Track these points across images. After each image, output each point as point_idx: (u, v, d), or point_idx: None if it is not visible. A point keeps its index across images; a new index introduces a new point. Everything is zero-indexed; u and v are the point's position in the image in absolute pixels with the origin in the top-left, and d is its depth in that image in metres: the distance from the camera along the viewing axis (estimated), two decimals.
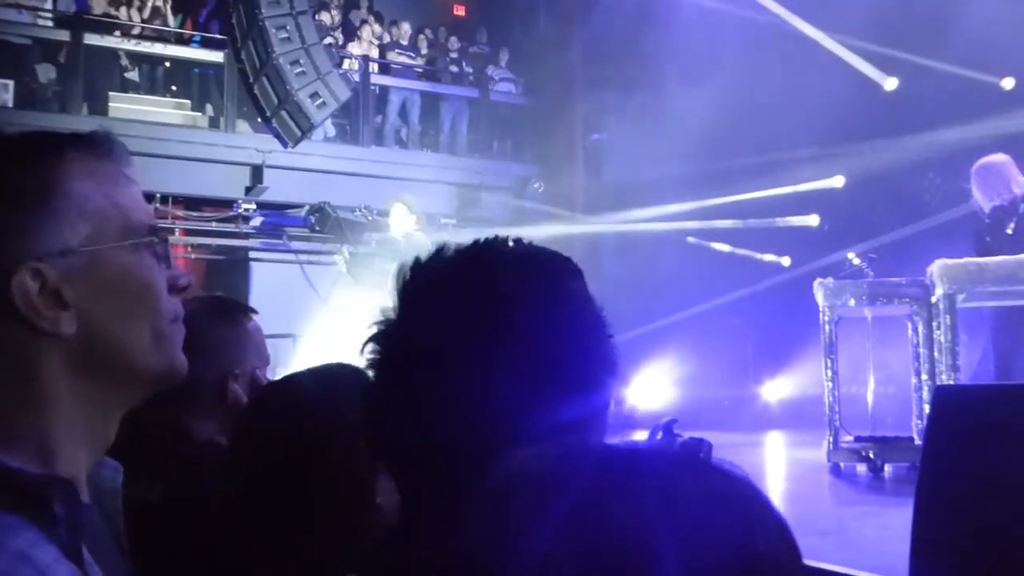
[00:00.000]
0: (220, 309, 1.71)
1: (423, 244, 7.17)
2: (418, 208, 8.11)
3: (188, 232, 10.12)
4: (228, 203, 10.18)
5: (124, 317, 0.89)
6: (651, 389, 9.32)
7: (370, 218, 9.94)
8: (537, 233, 7.29)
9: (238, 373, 1.65)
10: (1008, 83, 8.36)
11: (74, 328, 0.85)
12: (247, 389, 1.66)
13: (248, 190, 10.12)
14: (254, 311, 1.77)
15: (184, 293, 0.97)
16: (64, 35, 9.95)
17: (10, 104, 9.35)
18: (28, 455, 0.82)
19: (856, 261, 6.43)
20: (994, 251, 5.12)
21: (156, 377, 0.92)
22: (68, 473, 0.84)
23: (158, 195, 9.32)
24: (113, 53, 10.35)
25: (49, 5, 10.41)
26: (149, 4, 10.62)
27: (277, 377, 1.55)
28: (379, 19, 12.05)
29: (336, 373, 1.28)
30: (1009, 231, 5.20)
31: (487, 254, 0.86)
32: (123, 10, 10.56)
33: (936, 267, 5.05)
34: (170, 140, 9.70)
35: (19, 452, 0.82)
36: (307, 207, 10.36)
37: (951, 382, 4.75)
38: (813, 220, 10.06)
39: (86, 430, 0.88)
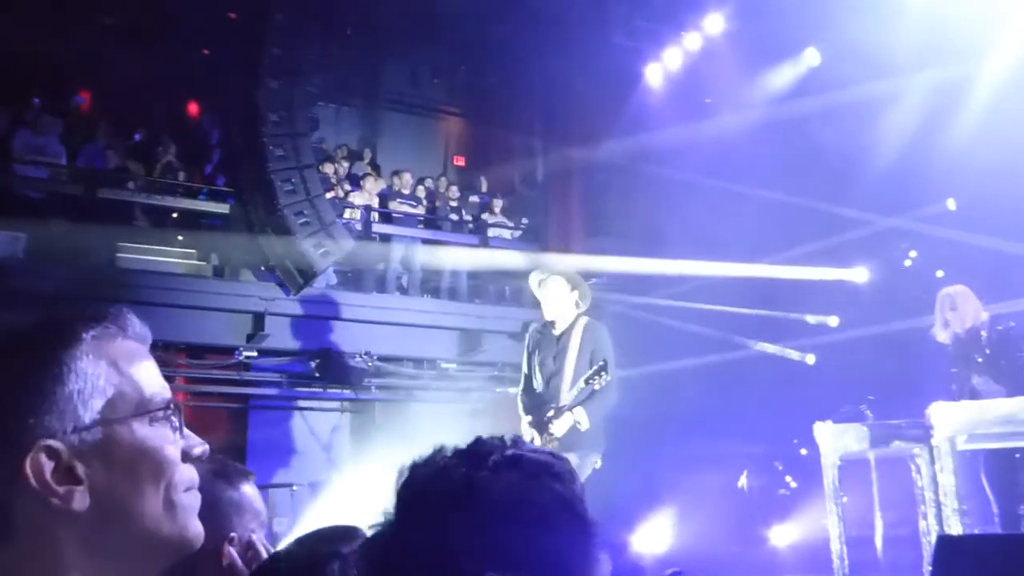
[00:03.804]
0: (219, 472, 1.72)
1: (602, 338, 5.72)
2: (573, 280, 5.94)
3: (189, 380, 10.13)
4: (230, 350, 10.23)
5: (137, 489, 0.90)
6: (657, 534, 9.10)
7: (371, 364, 9.95)
8: None
9: (234, 537, 1.66)
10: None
11: (87, 503, 0.86)
12: (243, 553, 1.66)
13: (250, 337, 10.18)
14: (252, 474, 1.79)
15: (200, 460, 0.98)
16: (78, 189, 10.26)
17: (20, 255, 9.53)
18: None
19: None
20: (960, 380, 5.29)
21: (170, 548, 0.92)
22: None
23: (161, 343, 9.35)
24: (123, 205, 10.65)
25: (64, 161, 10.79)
26: (161, 160, 11.03)
27: (274, 528, 1.55)
28: (378, 171, 12.42)
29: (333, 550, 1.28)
30: (979, 359, 5.37)
31: (477, 461, 0.92)
32: (137, 165, 10.97)
33: (934, 409, 5.04)
34: (176, 289, 9.80)
35: None
36: (309, 353, 10.40)
37: (958, 527, 4.67)
38: (810, 359, 10.15)
39: None
